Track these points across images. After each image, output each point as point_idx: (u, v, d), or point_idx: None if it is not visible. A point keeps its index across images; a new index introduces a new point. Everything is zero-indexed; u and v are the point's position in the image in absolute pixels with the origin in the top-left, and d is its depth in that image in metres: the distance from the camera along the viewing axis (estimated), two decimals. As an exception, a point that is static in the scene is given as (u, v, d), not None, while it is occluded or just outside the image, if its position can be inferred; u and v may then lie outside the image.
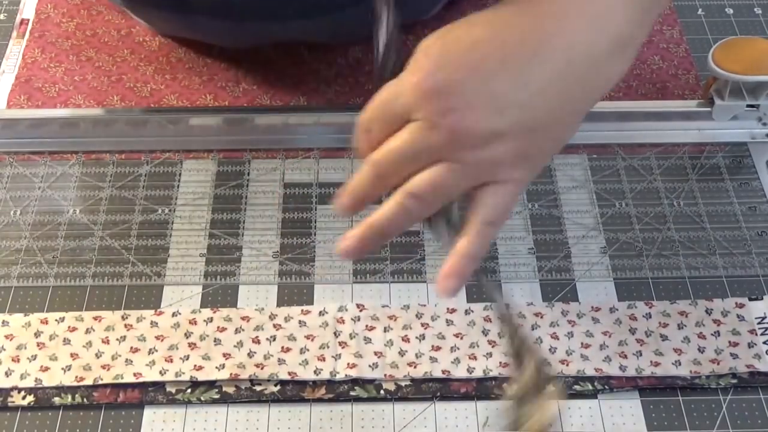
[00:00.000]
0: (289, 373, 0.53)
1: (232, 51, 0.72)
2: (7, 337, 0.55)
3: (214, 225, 0.61)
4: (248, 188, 0.63)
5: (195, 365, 0.53)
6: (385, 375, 0.53)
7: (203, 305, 0.57)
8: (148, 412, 0.52)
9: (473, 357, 0.54)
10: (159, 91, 0.70)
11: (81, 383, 0.53)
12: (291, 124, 0.66)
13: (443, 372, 0.53)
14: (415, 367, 0.53)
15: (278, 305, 0.57)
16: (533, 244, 0.60)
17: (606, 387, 0.53)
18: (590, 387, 0.52)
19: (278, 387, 0.53)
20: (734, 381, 0.53)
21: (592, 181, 0.64)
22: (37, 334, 0.55)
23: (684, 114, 0.67)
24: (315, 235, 0.61)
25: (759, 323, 0.55)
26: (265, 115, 0.67)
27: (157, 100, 0.69)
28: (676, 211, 0.62)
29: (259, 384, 0.53)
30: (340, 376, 0.53)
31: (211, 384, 0.53)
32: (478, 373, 0.53)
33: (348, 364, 0.53)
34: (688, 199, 0.63)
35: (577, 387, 0.53)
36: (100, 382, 0.52)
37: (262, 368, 0.53)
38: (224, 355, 0.54)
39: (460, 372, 0.53)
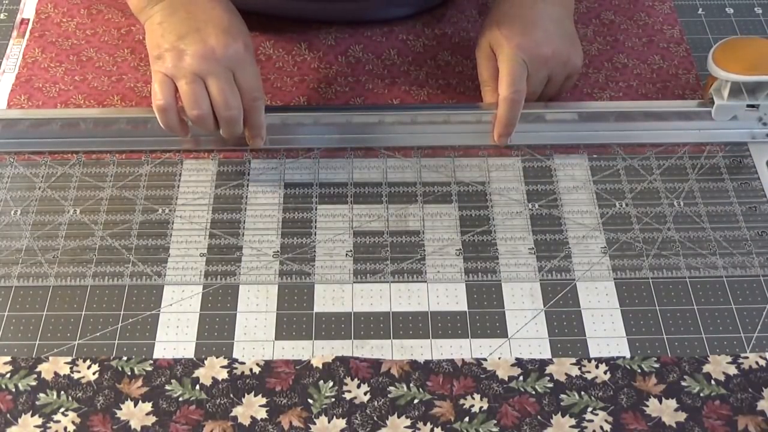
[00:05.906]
0: None
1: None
2: None
3: (215, 225, 0.61)
4: (248, 188, 0.64)
5: None
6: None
7: (203, 306, 0.57)
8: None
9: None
10: (159, 90, 0.70)
11: None
12: (291, 124, 0.67)
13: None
14: None
15: (278, 306, 0.57)
16: (533, 244, 0.60)
17: None
18: None
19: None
20: None
21: (592, 181, 0.64)
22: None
23: (684, 114, 0.67)
24: (315, 235, 0.61)
25: None
26: (266, 115, 0.66)
27: (157, 99, 0.69)
28: (676, 211, 0.62)
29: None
30: None
31: None
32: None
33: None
34: (688, 199, 0.63)
35: None
36: None
37: None
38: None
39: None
